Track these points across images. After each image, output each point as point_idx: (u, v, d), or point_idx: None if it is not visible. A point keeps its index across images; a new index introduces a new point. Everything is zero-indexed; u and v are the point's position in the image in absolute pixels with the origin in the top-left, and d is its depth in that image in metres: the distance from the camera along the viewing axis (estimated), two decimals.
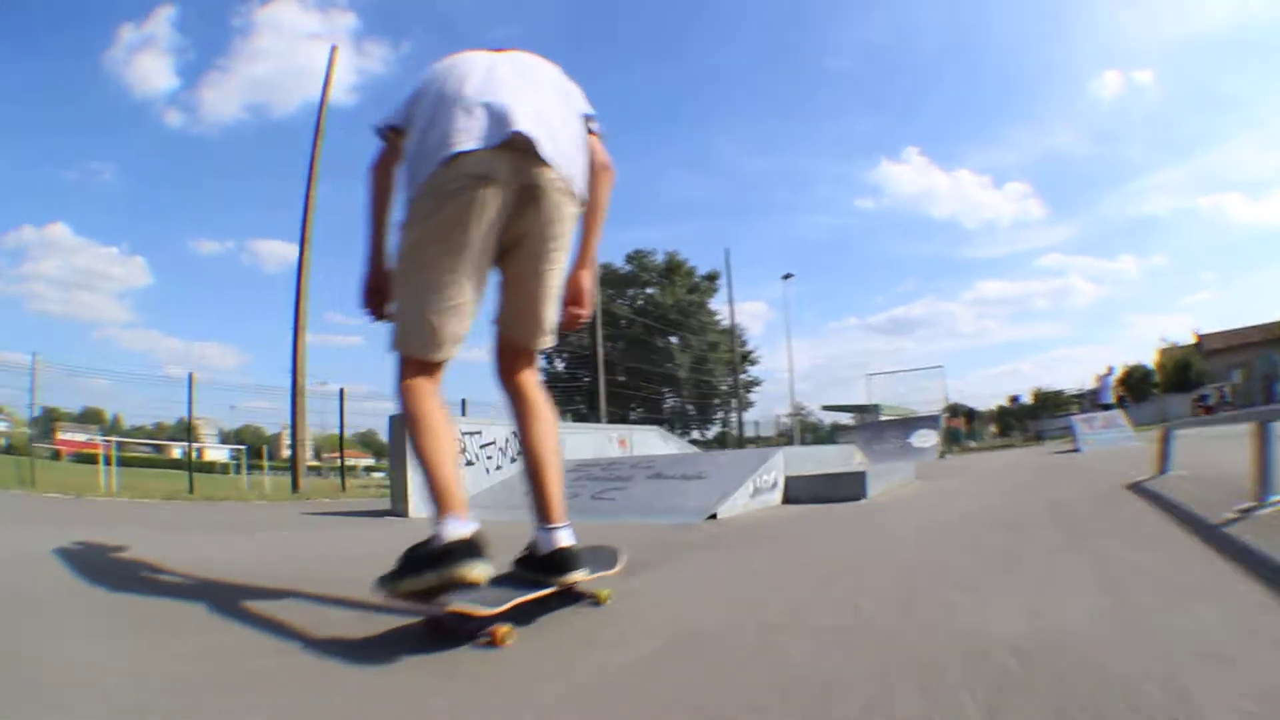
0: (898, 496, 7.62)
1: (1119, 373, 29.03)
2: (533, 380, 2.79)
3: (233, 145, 78.03)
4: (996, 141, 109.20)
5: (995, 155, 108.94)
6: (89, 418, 43.70)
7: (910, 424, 24.45)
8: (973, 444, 35.73)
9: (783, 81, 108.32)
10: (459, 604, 2.12)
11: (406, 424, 2.47)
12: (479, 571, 2.18)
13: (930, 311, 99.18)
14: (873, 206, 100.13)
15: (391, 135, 2.73)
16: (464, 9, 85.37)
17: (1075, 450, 17.99)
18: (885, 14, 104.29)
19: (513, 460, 9.75)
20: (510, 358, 2.81)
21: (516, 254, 2.62)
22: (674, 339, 55.14)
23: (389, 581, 2.30)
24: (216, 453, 63.47)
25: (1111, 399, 26.76)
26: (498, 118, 2.44)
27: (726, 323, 57.24)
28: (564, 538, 2.55)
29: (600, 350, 25.26)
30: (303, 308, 17.98)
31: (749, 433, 49.19)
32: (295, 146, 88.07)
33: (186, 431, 25.91)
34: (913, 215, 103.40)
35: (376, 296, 2.82)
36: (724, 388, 56.62)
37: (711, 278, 57.70)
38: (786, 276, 43.75)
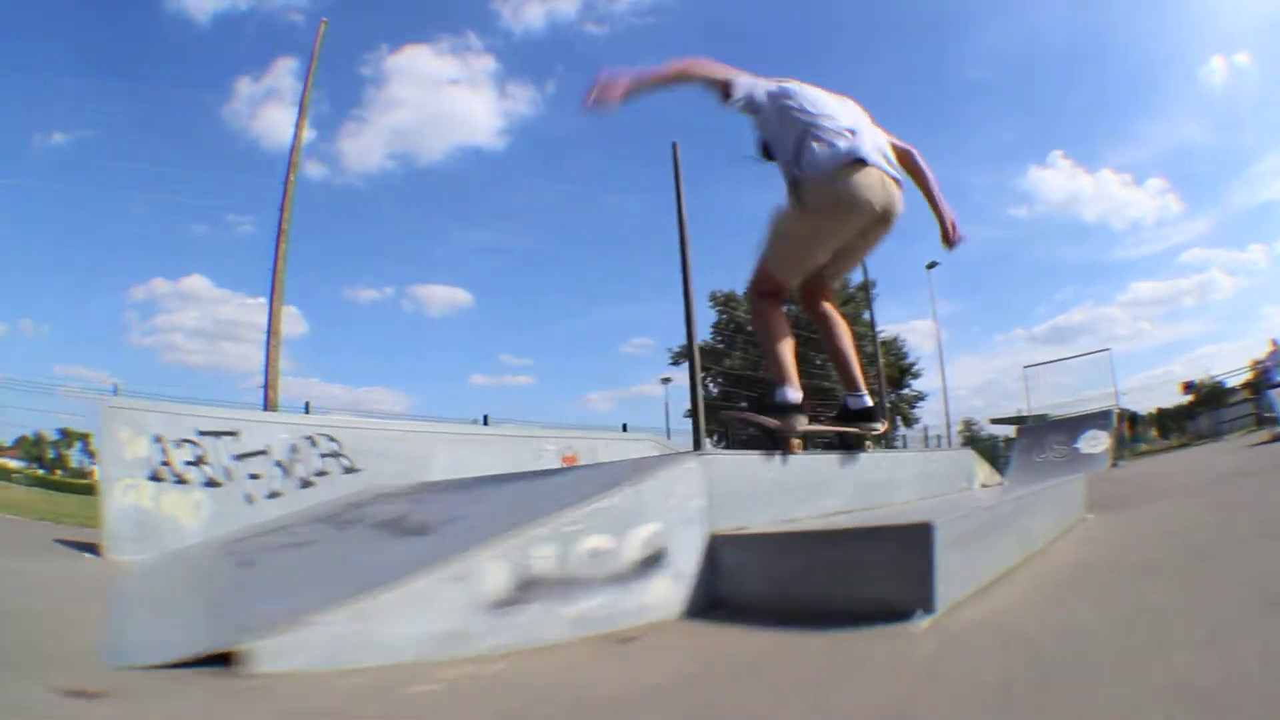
0: (1051, 601, 2.37)
1: None
2: (831, 303, 3.73)
3: (381, 194, 75.66)
4: (1131, 138, 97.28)
5: (1132, 152, 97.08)
6: None
7: (1076, 424, 18.03)
8: (1142, 447, 29.06)
9: (927, 95, 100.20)
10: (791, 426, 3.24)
11: (761, 324, 3.47)
12: (803, 424, 3.25)
13: (1089, 318, 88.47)
14: (1026, 214, 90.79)
15: (724, 85, 3.45)
16: (603, 44, 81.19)
17: None
18: (1010, 20, 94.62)
19: (304, 485, 5.23)
20: (818, 289, 3.68)
21: (858, 239, 3.44)
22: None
23: (744, 410, 3.49)
24: None
25: None
26: (883, 159, 3.32)
27: (885, 334, 51.03)
28: (868, 399, 3.60)
29: (696, 359, 20.39)
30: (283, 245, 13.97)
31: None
32: (446, 191, 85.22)
33: None
34: (1065, 220, 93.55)
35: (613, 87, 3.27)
36: (886, 403, 49.89)
37: (865, 287, 51.13)
38: (930, 265, 37.52)
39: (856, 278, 49.89)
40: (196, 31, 70.25)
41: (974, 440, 39.39)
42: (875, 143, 3.33)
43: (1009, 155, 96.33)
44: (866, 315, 50.96)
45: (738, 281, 54.22)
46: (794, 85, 3.45)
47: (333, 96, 73.10)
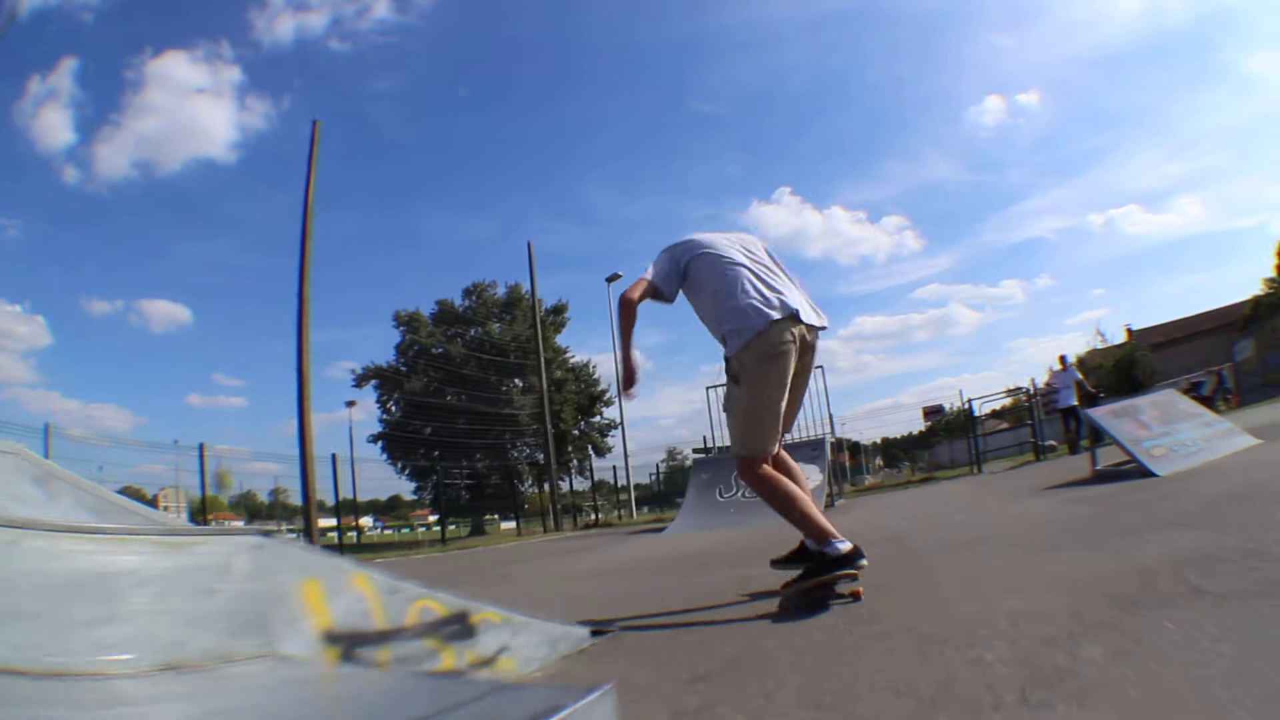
0: None
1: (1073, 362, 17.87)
2: (784, 453, 3.62)
3: (121, 203, 69.43)
4: (871, 177, 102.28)
5: (870, 191, 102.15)
6: None
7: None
8: (867, 479, 25.19)
9: (652, 129, 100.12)
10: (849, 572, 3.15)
11: (771, 495, 3.38)
12: (865, 562, 3.14)
13: None
14: None
15: (653, 290, 3.61)
16: (343, 64, 76.94)
17: (1127, 469, 7.70)
18: (753, 58, 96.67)
19: None
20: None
21: (801, 380, 3.58)
22: (519, 380, 42.84)
23: (800, 580, 3.26)
24: None
25: (1075, 399, 16.19)
26: (790, 302, 3.38)
27: (576, 359, 45.65)
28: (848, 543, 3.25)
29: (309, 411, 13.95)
30: None
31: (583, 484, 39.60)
32: (179, 205, 78.31)
33: None
34: (786, 255, 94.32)
35: (630, 383, 3.87)
36: (575, 432, 44.27)
37: (558, 310, 45.60)
38: (612, 279, 32.00)
39: (549, 301, 44.97)
40: (16, 27, 61.00)
41: (675, 471, 34.86)
42: (792, 288, 3.56)
43: (732, 189, 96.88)
44: (561, 340, 46.03)
45: (424, 302, 49.37)
46: (695, 240, 3.70)
47: (98, 99, 69.03)
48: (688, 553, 6.89)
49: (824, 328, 3.54)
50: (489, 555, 11.95)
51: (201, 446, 15.69)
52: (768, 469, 3.43)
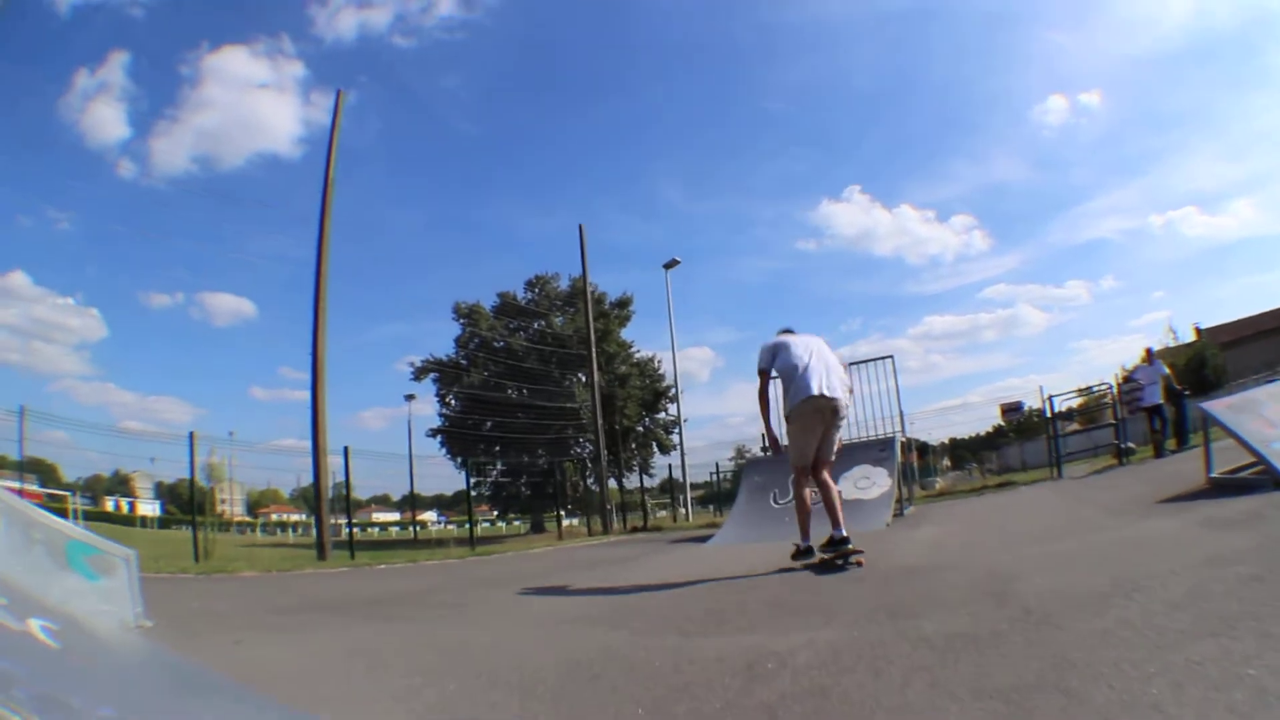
0: None
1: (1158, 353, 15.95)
2: (827, 472, 5.69)
3: (181, 198, 71.11)
4: (939, 176, 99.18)
5: (938, 189, 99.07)
6: (29, 466, 35.31)
7: (842, 456, 11.13)
8: (938, 482, 23.48)
9: (720, 125, 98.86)
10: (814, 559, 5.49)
11: (795, 496, 5.83)
12: (813, 558, 5.49)
13: (875, 349, 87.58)
14: (815, 248, 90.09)
15: (764, 374, 5.92)
16: (409, 59, 77.53)
17: (1250, 477, 6.59)
18: (821, 55, 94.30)
19: None
20: (818, 465, 5.71)
21: (824, 428, 5.64)
22: (581, 375, 41.71)
23: (800, 556, 5.65)
24: (148, 507, 60.86)
25: (1160, 397, 14.54)
26: (821, 384, 5.48)
27: (641, 354, 44.41)
28: (844, 533, 5.25)
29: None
30: None
31: (648, 481, 38.35)
32: (241, 199, 79.08)
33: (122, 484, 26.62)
34: (856, 254, 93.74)
35: (775, 446, 6.22)
36: (640, 429, 43.10)
37: (623, 304, 44.49)
38: (670, 265, 30.66)
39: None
40: (57, 22, 65.67)
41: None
42: (820, 375, 5.55)
43: (801, 188, 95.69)
44: (626, 334, 44.85)
45: (485, 294, 48.75)
46: (780, 342, 5.89)
47: (152, 94, 71.70)
48: (715, 579, 5.55)
49: (836, 398, 5.56)
50: (494, 567, 9.97)
51: (191, 435, 14.62)
52: (803, 479, 5.75)
